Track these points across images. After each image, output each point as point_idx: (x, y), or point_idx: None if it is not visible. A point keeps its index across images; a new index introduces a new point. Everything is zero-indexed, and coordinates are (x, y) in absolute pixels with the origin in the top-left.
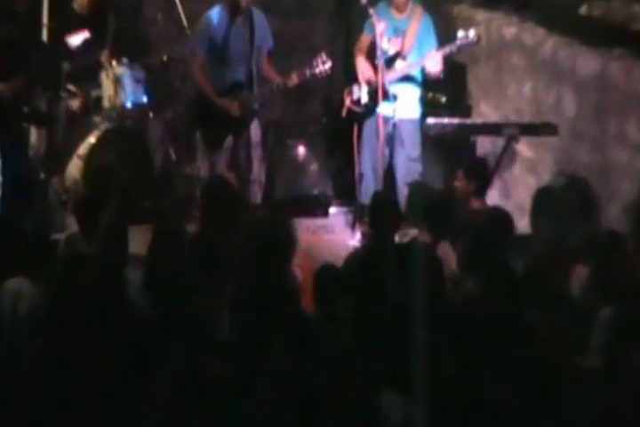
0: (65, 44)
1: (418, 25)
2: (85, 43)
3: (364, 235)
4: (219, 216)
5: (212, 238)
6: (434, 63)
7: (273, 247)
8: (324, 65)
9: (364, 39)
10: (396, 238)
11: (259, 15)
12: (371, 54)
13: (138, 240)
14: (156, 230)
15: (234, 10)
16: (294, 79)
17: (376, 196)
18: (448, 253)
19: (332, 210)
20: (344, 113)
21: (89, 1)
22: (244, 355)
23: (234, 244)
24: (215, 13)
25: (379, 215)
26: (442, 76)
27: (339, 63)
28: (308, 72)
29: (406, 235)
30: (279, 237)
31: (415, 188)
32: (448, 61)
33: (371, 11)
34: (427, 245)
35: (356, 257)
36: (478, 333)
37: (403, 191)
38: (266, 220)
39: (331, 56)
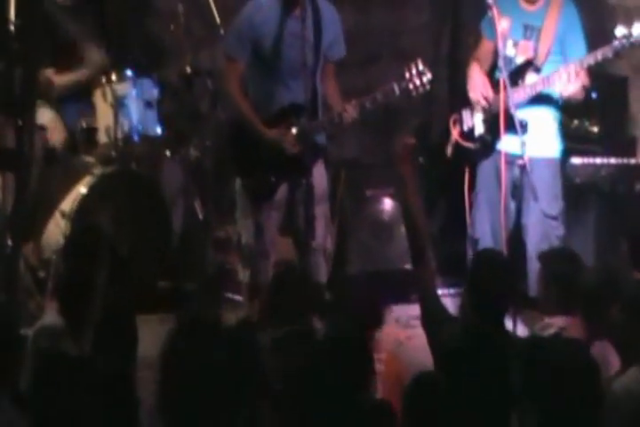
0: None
1: (557, 20)
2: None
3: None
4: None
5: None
6: (565, 80)
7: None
8: (420, 77)
9: (486, 46)
10: (523, 328)
11: (327, 7)
12: (492, 67)
13: (149, 336)
14: (178, 320)
15: None
16: (351, 111)
17: (480, 256)
18: (608, 355)
19: None
20: (449, 151)
21: None
22: None
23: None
24: (263, 2)
25: (482, 286)
26: (582, 96)
27: (441, 77)
28: (396, 87)
29: (549, 327)
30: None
31: (555, 259)
32: (600, 73)
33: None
34: (578, 343)
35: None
36: None
37: (536, 263)
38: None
39: (430, 65)
